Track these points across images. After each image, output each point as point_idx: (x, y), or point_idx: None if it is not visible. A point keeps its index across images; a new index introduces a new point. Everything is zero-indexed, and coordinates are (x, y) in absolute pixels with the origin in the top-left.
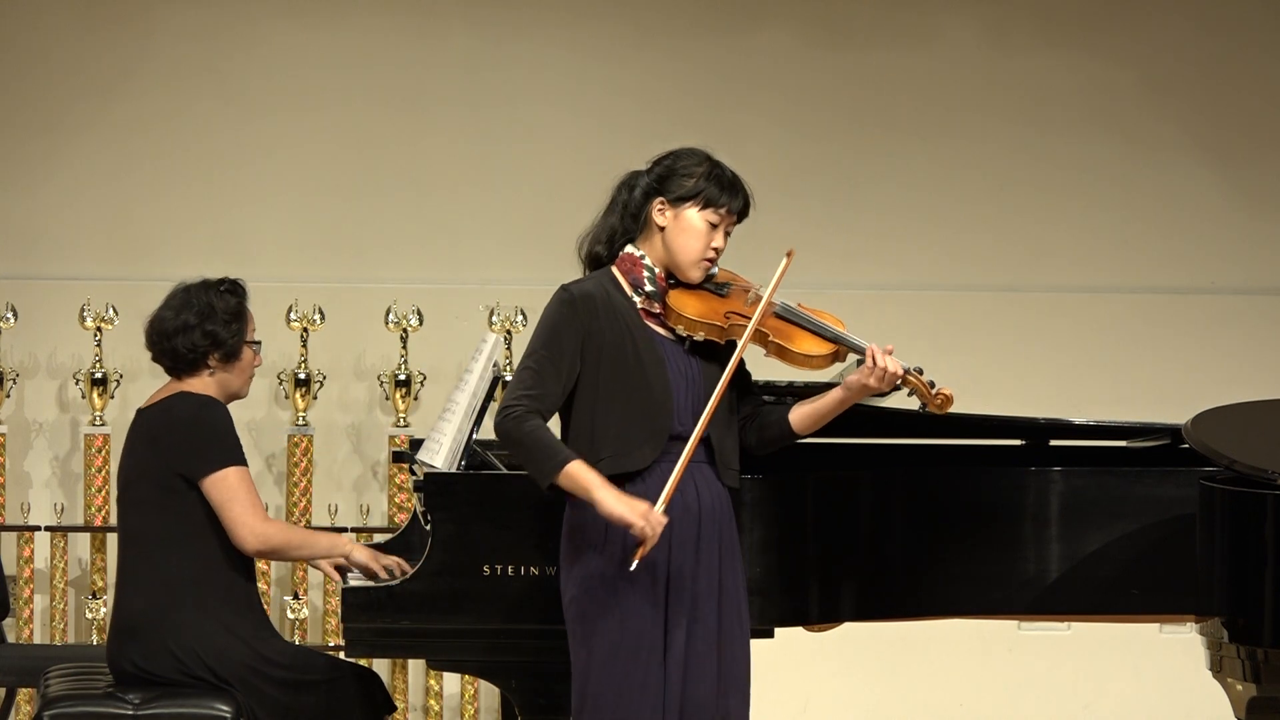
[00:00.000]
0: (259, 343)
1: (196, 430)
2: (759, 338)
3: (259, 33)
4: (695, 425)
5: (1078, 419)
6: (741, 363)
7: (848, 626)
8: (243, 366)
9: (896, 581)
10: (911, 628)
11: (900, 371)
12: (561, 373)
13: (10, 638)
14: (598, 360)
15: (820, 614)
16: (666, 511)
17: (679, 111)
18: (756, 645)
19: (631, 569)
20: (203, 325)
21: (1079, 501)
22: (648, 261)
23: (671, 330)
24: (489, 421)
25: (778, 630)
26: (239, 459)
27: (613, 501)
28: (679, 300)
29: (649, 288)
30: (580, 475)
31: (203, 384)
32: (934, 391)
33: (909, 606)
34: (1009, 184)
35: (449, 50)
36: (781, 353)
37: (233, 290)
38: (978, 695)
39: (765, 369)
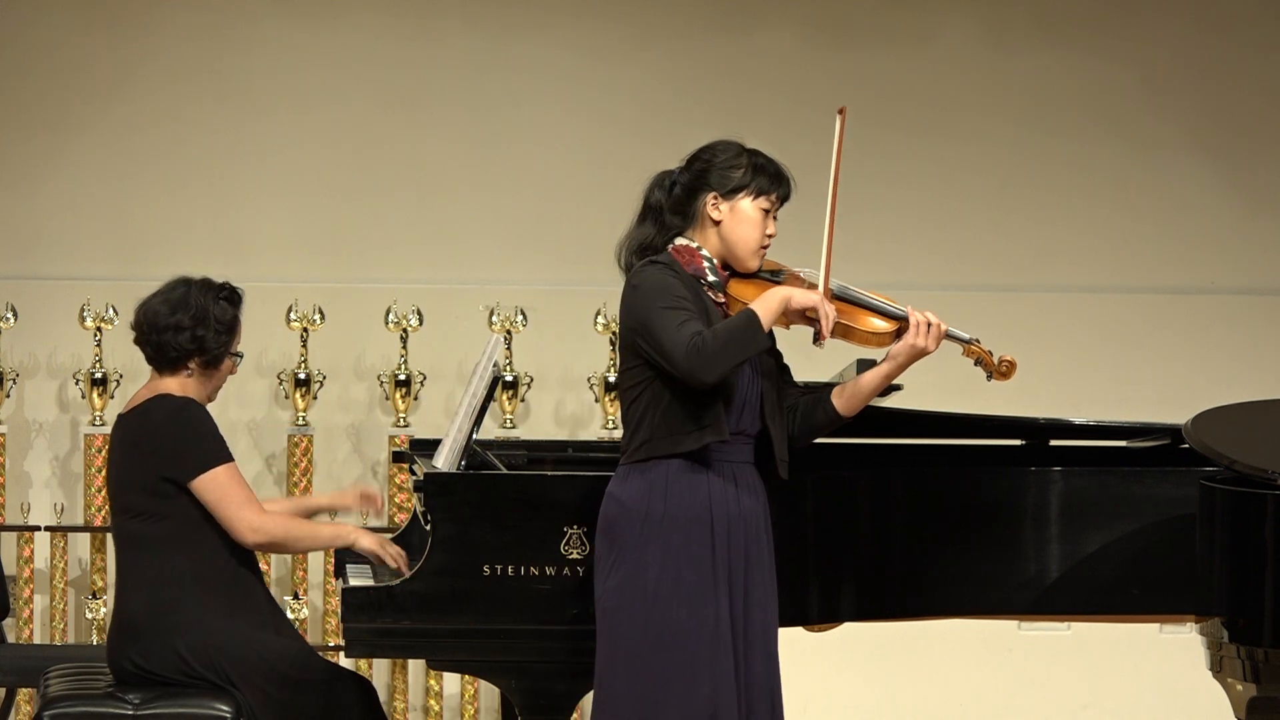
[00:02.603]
0: (241, 355)
1: (178, 433)
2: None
3: (259, 33)
4: (750, 423)
5: (1078, 419)
6: (780, 356)
7: (848, 626)
8: (219, 375)
9: (896, 581)
10: (911, 628)
11: (944, 328)
12: (695, 308)
13: (10, 638)
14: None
15: (820, 614)
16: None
17: (679, 111)
18: None
19: (822, 346)
20: (194, 329)
21: (1079, 501)
22: (705, 253)
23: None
24: (489, 422)
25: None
26: (225, 456)
27: (798, 293)
28: (740, 290)
29: (711, 278)
30: (762, 304)
31: (179, 383)
32: (997, 359)
33: (909, 606)
34: (1009, 184)
35: (449, 50)
36: (847, 332)
37: (230, 299)
38: (978, 695)
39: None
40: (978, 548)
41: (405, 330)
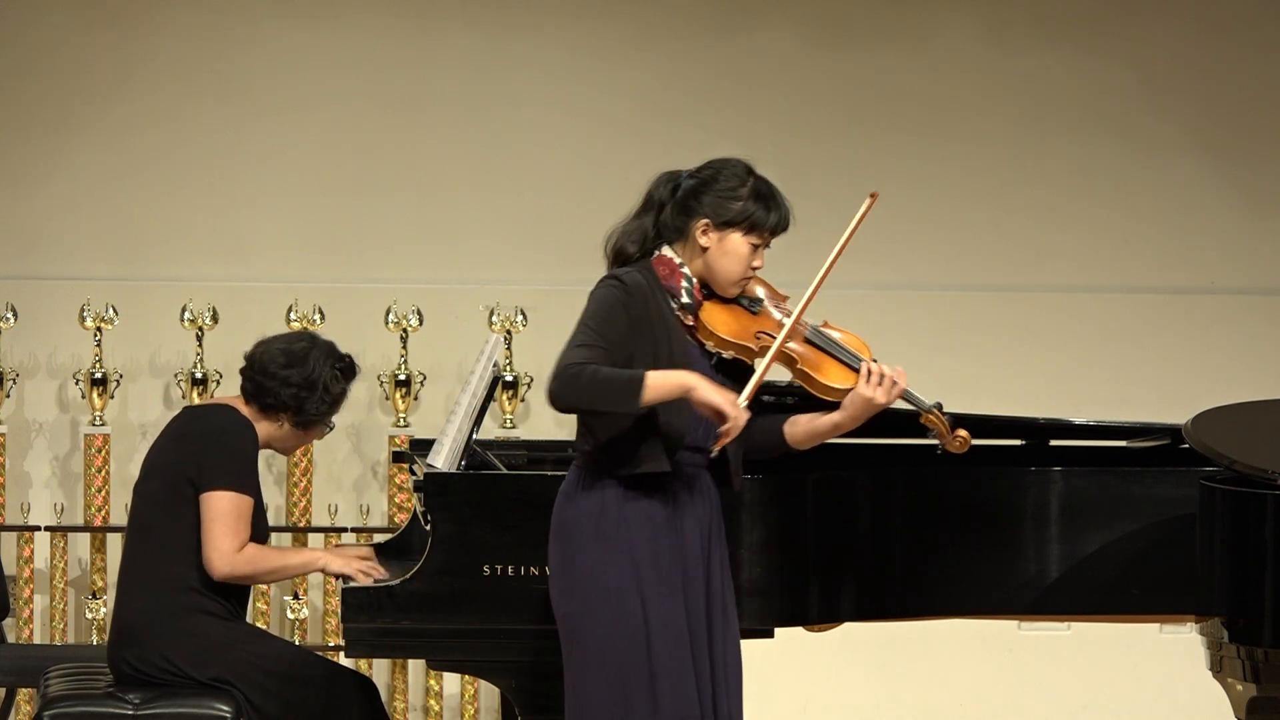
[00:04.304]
0: (333, 426)
1: (217, 443)
2: (786, 361)
3: (259, 33)
4: (705, 440)
5: (1078, 419)
6: (748, 370)
7: (848, 626)
8: (306, 437)
9: (896, 581)
10: (911, 628)
11: (901, 385)
12: (610, 354)
13: (10, 638)
14: (639, 354)
15: (820, 614)
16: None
17: (679, 111)
18: (757, 645)
19: (713, 455)
20: (300, 391)
21: (1079, 501)
22: (687, 271)
23: (703, 343)
24: (489, 422)
25: (778, 630)
26: (243, 486)
27: (708, 389)
28: (711, 316)
29: (685, 299)
30: (662, 378)
31: (266, 428)
32: (953, 433)
33: (909, 606)
34: (1009, 184)
35: (449, 50)
36: (807, 380)
37: (346, 374)
38: (978, 695)
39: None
40: (978, 548)
41: (405, 330)
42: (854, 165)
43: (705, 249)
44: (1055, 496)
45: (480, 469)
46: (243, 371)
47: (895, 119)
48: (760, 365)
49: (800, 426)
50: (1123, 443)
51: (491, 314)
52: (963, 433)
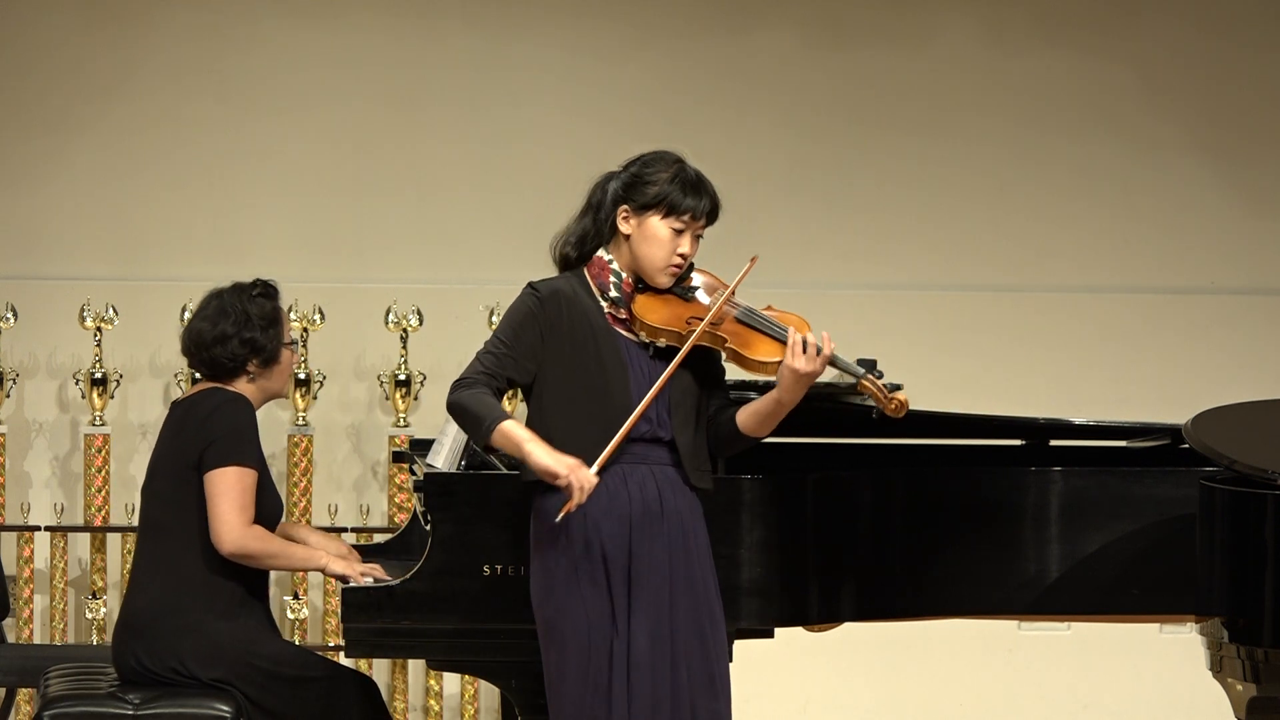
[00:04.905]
0: (296, 342)
1: (214, 424)
2: (717, 342)
3: (259, 33)
4: (663, 430)
5: (1078, 419)
6: (715, 363)
7: (848, 626)
8: (282, 369)
9: (896, 581)
10: (911, 628)
11: (828, 351)
12: (519, 364)
13: (10, 638)
14: (558, 360)
15: (820, 614)
16: (612, 508)
17: (679, 111)
18: (756, 645)
19: (556, 520)
20: (240, 334)
21: (1079, 501)
22: (615, 267)
23: (638, 335)
24: None
25: (778, 630)
26: (246, 460)
27: (541, 454)
28: (643, 306)
29: (614, 294)
30: (512, 432)
31: (242, 387)
32: (889, 396)
33: (909, 606)
34: (1009, 184)
35: (449, 50)
36: (738, 358)
37: (266, 293)
38: (978, 695)
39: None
40: (978, 548)
41: (405, 330)
42: (854, 165)
43: (628, 236)
44: (1055, 496)
45: (480, 469)
46: (192, 365)
47: (895, 119)
48: (684, 347)
49: (748, 413)
50: (1123, 443)
51: (491, 314)
52: (900, 395)
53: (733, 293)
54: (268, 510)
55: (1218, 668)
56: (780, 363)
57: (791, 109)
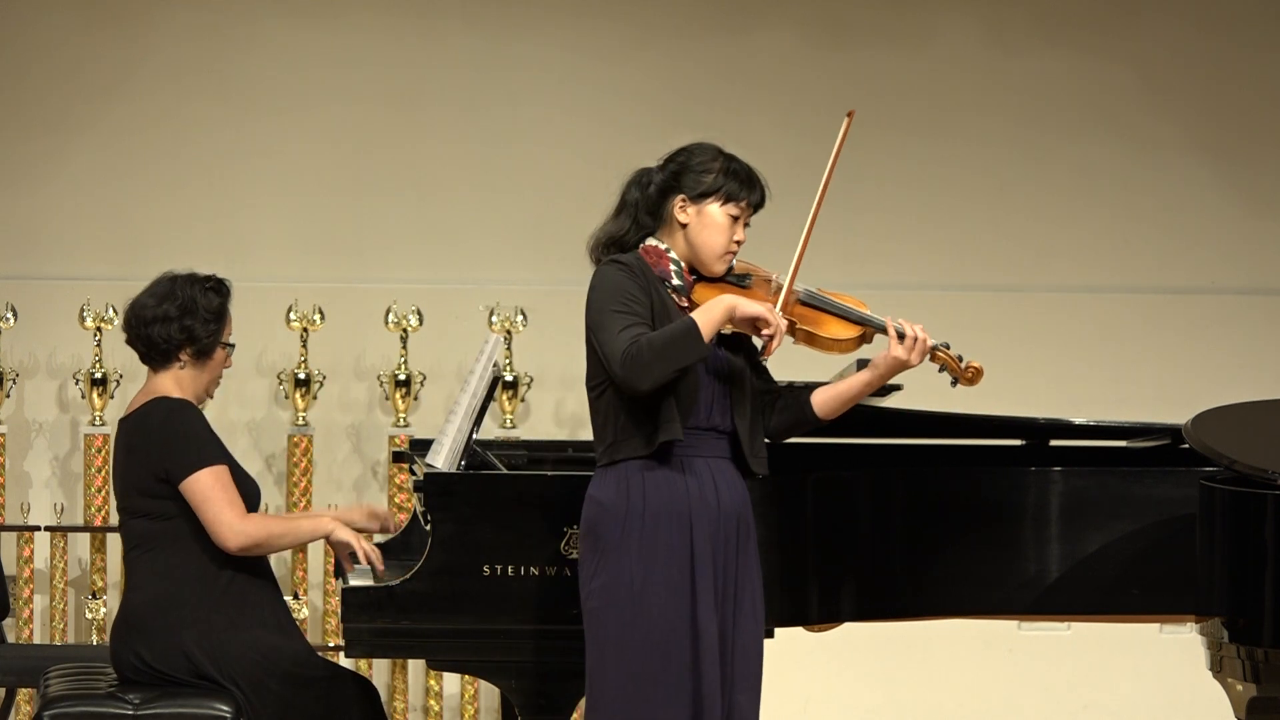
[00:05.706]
0: (233, 345)
1: (168, 434)
2: (787, 326)
3: (259, 33)
4: (720, 419)
5: (1078, 419)
6: (755, 352)
7: (848, 626)
8: (213, 366)
9: (896, 581)
10: (911, 628)
11: (929, 341)
12: (644, 314)
13: (10, 638)
14: (655, 322)
15: (820, 614)
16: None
17: (679, 111)
18: None
19: (765, 360)
20: (181, 319)
21: (1079, 501)
22: (673, 255)
23: None
24: (489, 422)
25: (778, 630)
26: (212, 459)
27: (745, 302)
28: (704, 295)
29: (676, 281)
30: (705, 313)
31: (173, 378)
32: (964, 365)
33: (909, 606)
34: (1009, 184)
35: (449, 50)
36: (810, 339)
37: (217, 289)
38: (978, 695)
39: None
40: (978, 548)
41: (405, 330)
42: (854, 165)
43: (685, 225)
44: (1055, 496)
45: (480, 469)
46: (129, 340)
47: (895, 119)
48: (786, 281)
49: (827, 394)
50: (1123, 443)
51: (491, 314)
52: (975, 363)
53: (795, 274)
54: (244, 494)
55: (1218, 668)
56: (853, 340)
57: (791, 109)
